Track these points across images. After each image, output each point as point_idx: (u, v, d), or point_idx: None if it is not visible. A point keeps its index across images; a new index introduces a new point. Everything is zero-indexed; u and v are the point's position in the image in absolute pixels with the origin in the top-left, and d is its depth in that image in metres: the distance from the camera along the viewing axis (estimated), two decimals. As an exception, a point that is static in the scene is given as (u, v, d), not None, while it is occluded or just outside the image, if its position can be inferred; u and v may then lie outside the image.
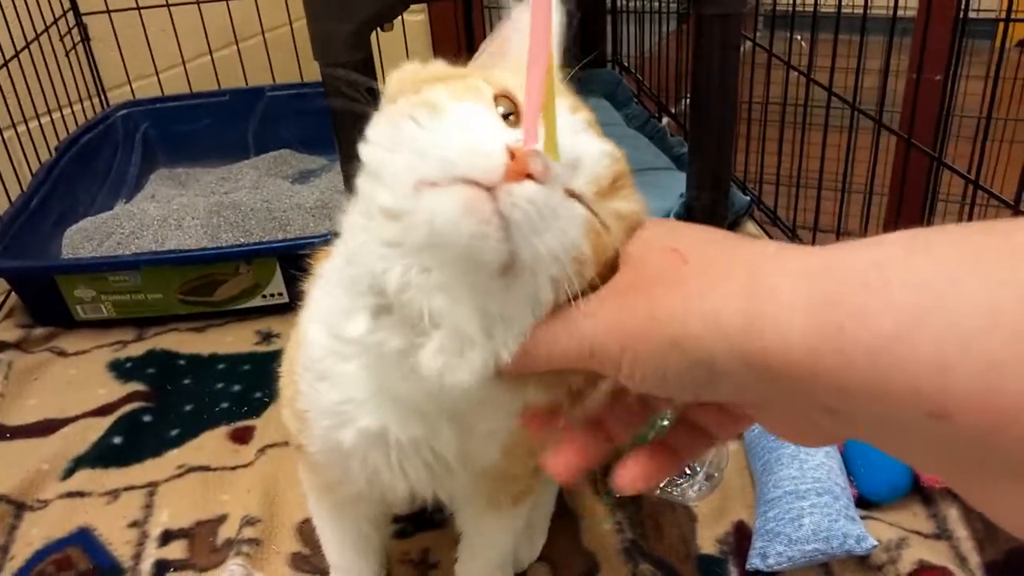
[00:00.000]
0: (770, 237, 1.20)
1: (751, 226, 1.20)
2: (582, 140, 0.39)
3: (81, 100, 1.47)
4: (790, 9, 1.15)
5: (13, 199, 1.18)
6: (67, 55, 1.42)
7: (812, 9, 1.16)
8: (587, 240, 0.36)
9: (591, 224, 0.36)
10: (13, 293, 1.12)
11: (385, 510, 0.67)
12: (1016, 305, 0.23)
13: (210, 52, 1.59)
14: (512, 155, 0.34)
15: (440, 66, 0.44)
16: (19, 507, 0.82)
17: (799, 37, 1.26)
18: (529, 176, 0.34)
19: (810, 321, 0.27)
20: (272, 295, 1.07)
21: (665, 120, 1.56)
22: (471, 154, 0.34)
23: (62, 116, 1.41)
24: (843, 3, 1.15)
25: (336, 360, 0.47)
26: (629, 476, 0.38)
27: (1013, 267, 0.23)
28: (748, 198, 1.22)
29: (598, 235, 0.36)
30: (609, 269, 0.37)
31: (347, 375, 0.47)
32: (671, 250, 0.35)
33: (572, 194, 0.37)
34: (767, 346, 0.28)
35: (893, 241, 0.27)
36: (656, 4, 1.64)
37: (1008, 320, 0.23)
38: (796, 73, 1.15)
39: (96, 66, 1.52)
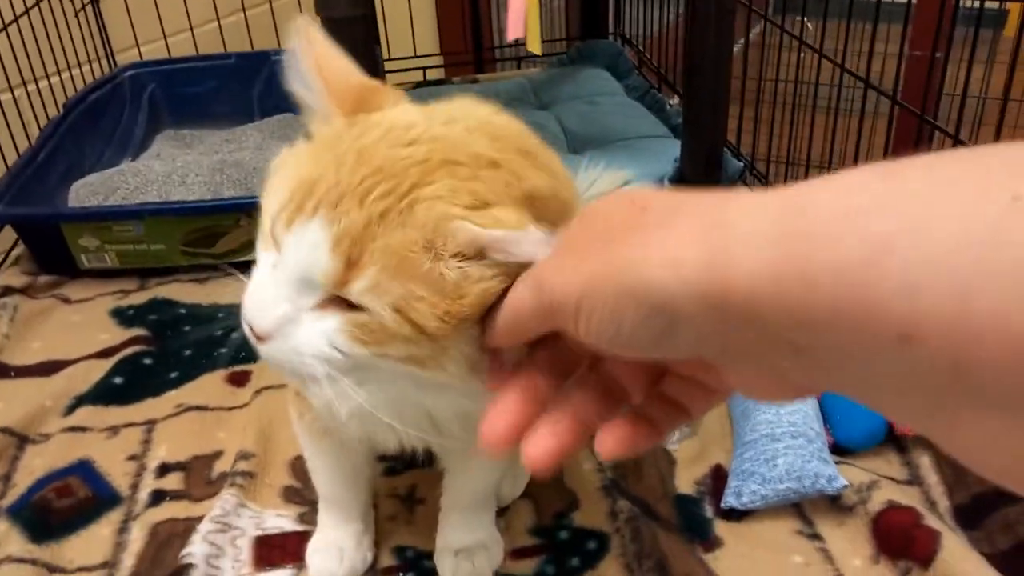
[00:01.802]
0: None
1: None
2: (304, 252, 0.41)
3: (90, 61, 1.49)
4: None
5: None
6: (76, 16, 1.45)
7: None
8: (348, 336, 0.41)
9: (342, 324, 0.41)
10: (20, 242, 1.15)
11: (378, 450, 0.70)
12: (986, 224, 0.22)
13: (217, 18, 1.61)
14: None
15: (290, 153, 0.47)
16: (22, 440, 0.85)
17: (805, 19, 1.28)
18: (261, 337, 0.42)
19: (776, 252, 0.26)
20: (272, 248, 1.09)
21: (676, 100, 1.57)
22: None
23: (71, 76, 1.43)
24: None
25: None
26: (608, 443, 0.38)
27: (985, 187, 0.23)
28: (741, 163, 1.24)
29: (360, 328, 0.41)
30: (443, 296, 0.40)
31: None
32: (630, 202, 0.34)
33: (324, 303, 0.41)
34: (730, 280, 0.27)
35: (863, 171, 0.26)
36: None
37: (978, 239, 0.22)
38: (801, 56, 1.17)
39: (105, 28, 1.54)
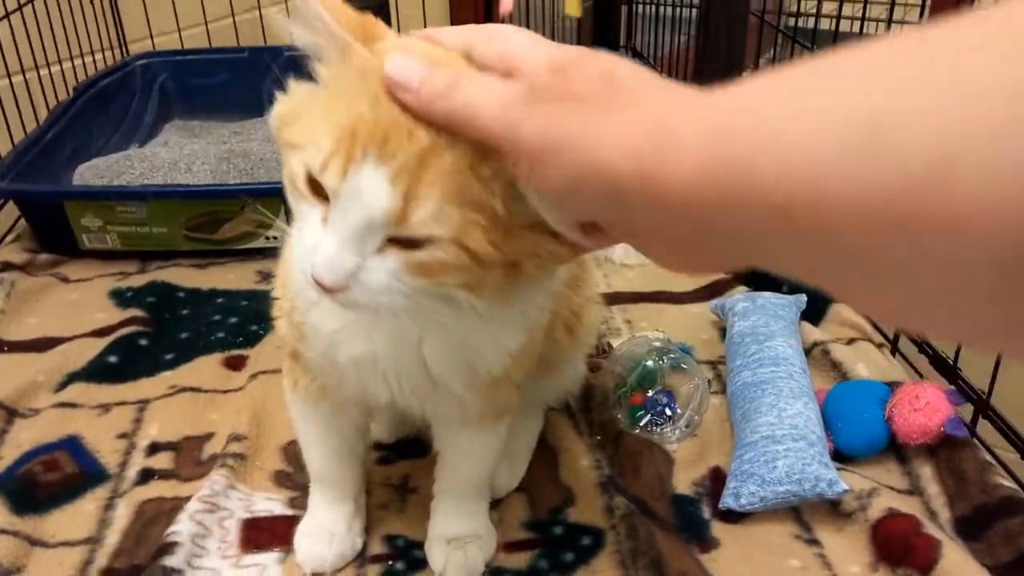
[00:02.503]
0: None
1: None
2: (363, 197, 0.40)
3: (103, 50, 1.49)
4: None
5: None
6: (91, 2, 1.45)
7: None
8: (409, 273, 0.43)
9: (403, 263, 0.42)
10: (23, 219, 1.15)
11: (369, 420, 0.70)
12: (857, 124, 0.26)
13: (232, 14, 1.62)
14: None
15: (301, 98, 0.46)
16: (11, 413, 0.84)
17: (815, 47, 1.30)
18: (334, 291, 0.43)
19: (703, 164, 0.31)
20: (275, 237, 1.08)
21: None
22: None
23: (83, 64, 1.43)
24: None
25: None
26: None
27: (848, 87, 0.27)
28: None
29: (419, 265, 0.42)
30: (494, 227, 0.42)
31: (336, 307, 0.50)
32: (606, 72, 0.36)
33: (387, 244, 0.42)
34: (669, 181, 0.32)
35: (778, 84, 0.30)
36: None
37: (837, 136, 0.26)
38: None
39: (120, 18, 1.54)
